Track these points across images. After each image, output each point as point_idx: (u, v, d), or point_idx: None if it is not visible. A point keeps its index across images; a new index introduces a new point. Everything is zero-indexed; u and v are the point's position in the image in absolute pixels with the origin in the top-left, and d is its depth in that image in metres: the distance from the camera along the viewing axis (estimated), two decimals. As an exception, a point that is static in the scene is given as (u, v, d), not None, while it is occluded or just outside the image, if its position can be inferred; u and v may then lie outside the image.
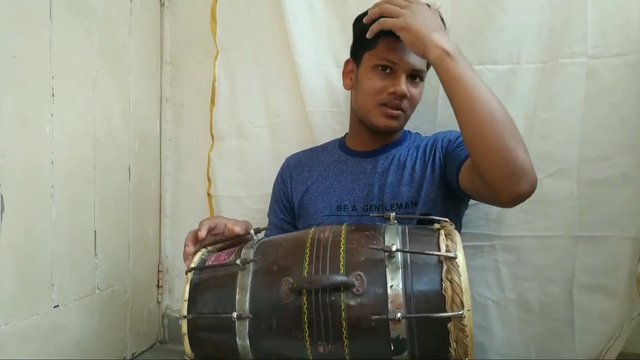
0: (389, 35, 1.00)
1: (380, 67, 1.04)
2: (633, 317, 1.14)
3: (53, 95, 1.21)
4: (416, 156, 1.10)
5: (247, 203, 1.49)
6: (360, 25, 1.08)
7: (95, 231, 1.36)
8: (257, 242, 0.91)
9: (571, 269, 1.20)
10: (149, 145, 1.60)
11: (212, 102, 1.49)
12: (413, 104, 1.06)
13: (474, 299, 1.04)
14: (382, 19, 0.94)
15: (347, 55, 1.15)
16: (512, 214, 1.21)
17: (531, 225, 1.22)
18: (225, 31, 1.46)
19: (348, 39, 1.14)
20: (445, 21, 1.18)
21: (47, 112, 1.20)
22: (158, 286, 1.69)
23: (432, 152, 1.09)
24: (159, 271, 1.69)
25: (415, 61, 1.02)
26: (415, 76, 1.05)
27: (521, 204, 1.19)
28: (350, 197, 1.11)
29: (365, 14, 1.05)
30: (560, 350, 1.23)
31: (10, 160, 1.10)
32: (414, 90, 1.05)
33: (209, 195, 1.53)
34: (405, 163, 1.10)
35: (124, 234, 1.50)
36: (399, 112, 1.05)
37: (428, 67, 1.10)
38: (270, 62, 1.43)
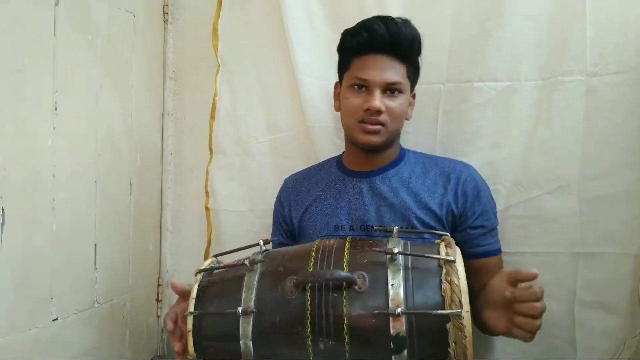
0: (361, 54, 1.06)
1: (355, 86, 1.07)
2: (635, 335, 1.13)
3: (56, 109, 1.21)
4: (422, 184, 1.10)
5: (251, 218, 1.49)
6: (339, 48, 1.14)
7: (95, 244, 1.36)
8: (264, 252, 0.93)
9: (572, 285, 1.20)
10: (150, 159, 1.61)
11: (212, 117, 1.49)
12: (394, 116, 1.07)
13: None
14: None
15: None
16: (512, 230, 1.21)
17: (532, 241, 1.23)
18: (226, 46, 1.48)
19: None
20: (444, 41, 1.21)
21: (50, 126, 1.20)
22: (158, 300, 1.68)
23: (455, 198, 1.08)
24: (158, 285, 1.68)
25: (388, 75, 1.04)
26: (393, 89, 1.06)
27: (521, 219, 1.22)
28: (348, 217, 1.11)
29: (345, 33, 1.11)
30: (562, 367, 1.22)
31: (12, 172, 1.11)
32: (392, 104, 1.06)
33: (206, 209, 1.53)
34: (403, 186, 1.10)
35: (124, 247, 1.50)
36: (377, 127, 1.06)
37: (414, 80, 1.12)
38: (271, 78, 1.44)
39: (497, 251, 1.12)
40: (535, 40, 1.19)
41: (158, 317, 1.68)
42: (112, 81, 1.41)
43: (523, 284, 0.79)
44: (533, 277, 0.77)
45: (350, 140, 1.14)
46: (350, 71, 1.09)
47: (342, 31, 1.31)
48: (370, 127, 1.05)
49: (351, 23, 1.28)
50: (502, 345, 1.25)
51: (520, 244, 1.22)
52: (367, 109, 1.04)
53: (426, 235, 1.05)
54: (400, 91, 1.07)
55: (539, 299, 0.77)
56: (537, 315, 0.77)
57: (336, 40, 1.32)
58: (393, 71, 1.05)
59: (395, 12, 1.23)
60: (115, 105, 1.43)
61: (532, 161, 1.22)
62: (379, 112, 1.04)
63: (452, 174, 1.11)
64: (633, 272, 1.14)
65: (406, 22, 1.06)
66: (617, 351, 1.15)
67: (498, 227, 1.14)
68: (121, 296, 1.49)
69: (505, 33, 1.20)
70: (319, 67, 1.35)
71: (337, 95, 1.18)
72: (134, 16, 1.50)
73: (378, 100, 1.04)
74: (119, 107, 1.45)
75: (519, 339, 0.80)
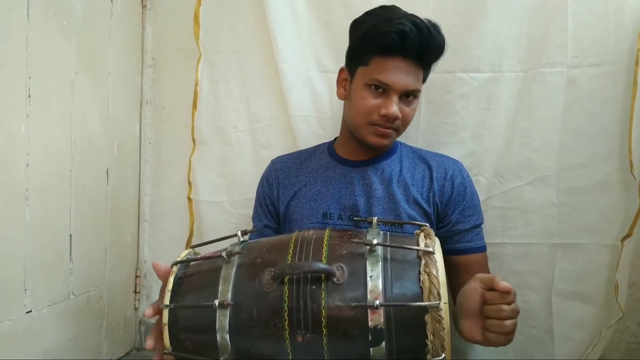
0: (385, 55, 1.00)
1: (373, 87, 1.02)
2: (611, 325, 1.15)
3: (29, 96, 1.18)
4: (411, 178, 1.10)
5: (228, 208, 1.47)
6: (355, 35, 1.06)
7: (70, 235, 1.33)
8: (242, 243, 0.92)
9: (550, 276, 1.22)
10: (128, 148, 1.58)
11: (194, 106, 1.47)
12: (406, 122, 1.05)
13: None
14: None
15: (331, 61, 1.16)
16: (492, 221, 1.22)
17: (511, 232, 1.24)
18: (208, 35, 1.45)
19: (331, 44, 1.14)
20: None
21: (23, 113, 1.17)
22: (135, 292, 1.66)
23: (441, 192, 1.08)
24: (136, 276, 1.66)
25: (409, 82, 1.00)
26: (409, 94, 1.03)
27: (501, 210, 1.23)
28: (337, 205, 1.10)
29: (361, 19, 1.05)
30: (538, 356, 1.24)
31: (-17, 161, 1.08)
32: (407, 110, 1.03)
33: (189, 199, 1.51)
34: (394, 178, 1.10)
35: (101, 238, 1.47)
36: (390, 131, 1.04)
37: (424, 81, 1.10)
38: (253, 67, 1.42)
39: (481, 249, 1.11)
40: (517, 31, 1.19)
41: (136, 309, 1.66)
42: (88, 68, 1.38)
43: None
44: (507, 291, 0.77)
45: (351, 133, 1.11)
46: (368, 69, 1.02)
47: (324, 21, 1.31)
48: (383, 130, 1.03)
49: (334, 12, 1.27)
50: (482, 351, 1.25)
51: (499, 235, 1.23)
52: (384, 115, 1.00)
53: (406, 226, 1.05)
54: (415, 97, 1.05)
55: (509, 302, 0.77)
56: (506, 317, 0.77)
57: (319, 30, 1.32)
58: (414, 77, 1.01)
59: (378, 1, 1.22)
60: (91, 93, 1.40)
61: (512, 152, 1.22)
62: (394, 119, 1.02)
63: (440, 168, 1.10)
64: (609, 263, 1.16)
65: (436, 28, 1.01)
66: (593, 341, 1.17)
67: (483, 225, 1.13)
68: (97, 288, 1.46)
69: (488, 24, 1.20)
70: (300, 56, 1.34)
71: (341, 82, 1.12)
72: (111, 1, 1.46)
73: (396, 107, 1.00)
74: (95, 94, 1.42)
75: (494, 344, 0.79)
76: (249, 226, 1.25)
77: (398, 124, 1.04)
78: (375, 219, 0.92)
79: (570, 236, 1.20)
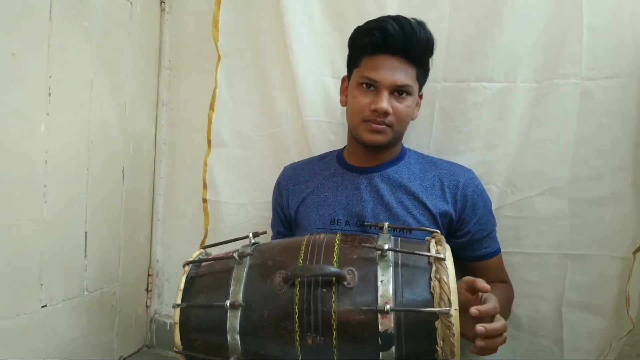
0: (372, 54, 1.04)
1: (364, 85, 1.06)
2: (621, 337, 1.14)
3: (49, 94, 1.21)
4: (419, 184, 1.10)
5: (250, 210, 1.49)
6: (349, 43, 1.12)
7: (86, 232, 1.36)
8: (253, 244, 0.93)
9: (561, 286, 1.21)
10: (143, 148, 1.60)
11: (212, 108, 1.48)
12: (400, 118, 1.06)
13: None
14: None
15: (344, 67, 1.16)
16: (503, 230, 1.21)
17: (522, 242, 1.23)
18: (227, 39, 1.47)
19: (345, 50, 1.15)
20: (441, 40, 1.21)
21: (43, 112, 1.20)
22: (147, 290, 1.68)
23: (454, 202, 1.09)
24: (148, 275, 1.68)
25: (398, 77, 1.03)
26: (401, 91, 1.05)
27: (512, 220, 1.23)
28: (345, 211, 1.11)
29: (358, 29, 1.09)
30: (547, 367, 1.23)
31: (4, 157, 1.10)
32: (399, 106, 1.05)
33: (204, 200, 1.52)
34: (401, 185, 1.10)
35: (115, 236, 1.49)
36: (383, 126, 1.05)
37: (423, 81, 1.12)
38: (270, 72, 1.43)
39: (497, 252, 1.13)
40: (532, 42, 1.19)
41: (147, 306, 1.68)
42: (107, 69, 1.40)
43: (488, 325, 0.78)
44: (486, 290, 0.80)
45: (353, 137, 1.13)
46: (359, 69, 1.08)
47: (339, 27, 1.32)
48: (375, 126, 1.05)
49: (349, 19, 1.28)
50: None
51: (511, 244, 1.23)
52: (374, 110, 1.03)
53: (416, 232, 1.06)
54: (409, 93, 1.06)
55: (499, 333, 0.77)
56: (484, 336, 0.76)
57: (334, 36, 1.33)
58: (403, 73, 1.04)
59: (393, 8, 1.23)
60: (109, 93, 1.42)
61: (525, 162, 1.22)
62: (385, 113, 1.03)
63: (451, 177, 1.11)
64: (620, 275, 1.15)
65: (421, 25, 1.04)
66: (603, 352, 1.16)
67: (496, 227, 1.14)
68: (111, 285, 1.49)
69: (503, 34, 1.20)
70: (315, 62, 1.35)
71: (343, 90, 1.17)
72: (131, 4, 1.49)
73: (385, 102, 1.03)
74: (113, 95, 1.44)
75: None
76: (269, 227, 1.28)
77: (391, 120, 1.05)
78: (386, 224, 0.92)
79: (582, 247, 1.19)
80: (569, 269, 1.20)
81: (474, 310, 0.76)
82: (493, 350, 0.79)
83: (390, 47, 1.03)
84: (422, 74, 1.10)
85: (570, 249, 1.20)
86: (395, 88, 1.04)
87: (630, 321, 1.12)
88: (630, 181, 1.14)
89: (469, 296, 0.83)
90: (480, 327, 0.75)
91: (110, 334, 1.51)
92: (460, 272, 0.86)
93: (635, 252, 1.12)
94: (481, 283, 0.80)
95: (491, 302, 0.79)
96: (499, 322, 0.78)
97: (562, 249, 1.21)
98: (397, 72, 1.03)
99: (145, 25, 1.56)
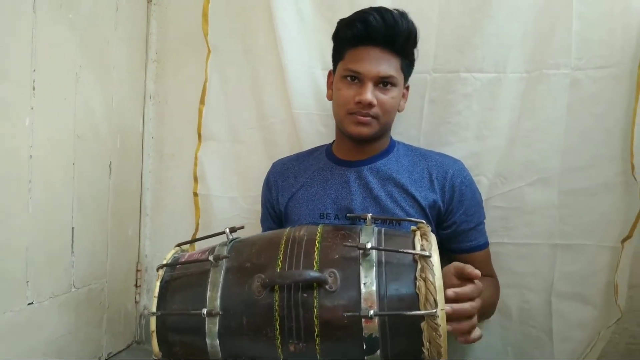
0: (355, 46, 1.05)
1: (348, 78, 1.06)
2: (609, 326, 1.16)
3: (34, 88, 1.18)
4: (408, 177, 1.10)
5: (241, 203, 1.48)
6: (333, 36, 1.13)
7: (73, 228, 1.34)
8: (231, 241, 0.90)
9: (550, 276, 1.22)
10: (130, 142, 1.58)
11: (202, 102, 1.47)
12: (385, 110, 1.06)
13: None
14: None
15: (335, 59, 1.16)
16: (493, 221, 1.22)
17: (512, 232, 1.24)
18: (216, 32, 1.45)
19: (336, 42, 1.15)
20: (431, 31, 1.21)
21: (27, 105, 1.17)
22: (136, 285, 1.66)
23: (442, 193, 1.08)
24: (137, 270, 1.66)
25: (381, 69, 1.03)
26: (386, 82, 1.05)
27: (502, 210, 1.23)
28: (334, 205, 1.11)
29: (340, 22, 1.09)
30: (537, 356, 1.24)
31: (-13, 152, 1.08)
32: (384, 97, 1.05)
33: (195, 194, 1.51)
34: (390, 177, 1.10)
35: (103, 231, 1.47)
36: (368, 118, 1.05)
37: (408, 72, 1.12)
38: (260, 65, 1.42)
39: (483, 246, 1.12)
40: (522, 32, 1.19)
41: (136, 302, 1.67)
42: (93, 61, 1.38)
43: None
44: (476, 276, 0.78)
45: (340, 130, 1.13)
46: (343, 62, 1.08)
47: (329, 19, 1.31)
48: (360, 118, 1.05)
49: (339, 11, 1.27)
50: (481, 350, 1.27)
51: (500, 234, 1.24)
52: (359, 102, 1.03)
53: (403, 223, 1.05)
54: (393, 84, 1.06)
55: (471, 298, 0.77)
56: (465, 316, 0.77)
57: (324, 28, 1.32)
58: (387, 64, 1.04)
59: (383, 0, 1.22)
60: (95, 86, 1.40)
61: (515, 153, 1.23)
62: (370, 105, 1.03)
63: (440, 168, 1.10)
64: (609, 264, 1.16)
65: (403, 15, 1.04)
66: (592, 341, 1.17)
67: (485, 220, 1.14)
68: (99, 281, 1.47)
69: (493, 24, 1.20)
70: (305, 54, 1.34)
71: (330, 84, 1.17)
72: (117, -5, 1.46)
73: (370, 94, 1.03)
74: (99, 88, 1.42)
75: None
76: (260, 221, 1.28)
77: (376, 112, 1.05)
78: (369, 215, 0.89)
79: (571, 237, 1.20)
80: (559, 259, 1.21)
81: (450, 292, 0.75)
82: (466, 328, 0.77)
83: (373, 38, 1.03)
84: (407, 65, 1.10)
85: (559, 239, 1.21)
86: (380, 79, 1.04)
87: (618, 310, 1.13)
88: (619, 171, 1.15)
89: (456, 282, 0.81)
90: (450, 292, 0.75)
91: (99, 331, 1.49)
92: (447, 262, 0.86)
93: (623, 241, 1.13)
94: (470, 269, 0.79)
95: (469, 286, 0.78)
96: (470, 286, 0.78)
97: (552, 239, 1.21)
98: (380, 63, 1.04)
99: (131, 17, 1.54)
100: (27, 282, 1.20)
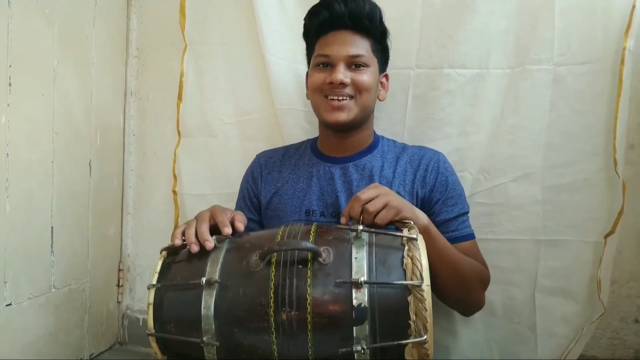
0: (324, 33, 1.07)
1: (320, 65, 1.08)
2: (593, 321, 1.16)
3: (10, 84, 1.16)
4: (393, 172, 1.10)
5: (213, 201, 1.45)
6: (304, 34, 1.15)
7: (52, 227, 1.31)
8: (227, 240, 0.91)
9: (534, 272, 1.22)
10: (111, 139, 1.56)
11: (180, 98, 1.45)
12: (361, 89, 1.06)
13: (438, 302, 1.04)
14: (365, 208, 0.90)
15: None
16: (477, 217, 1.21)
17: (495, 228, 1.24)
18: (194, 26, 1.43)
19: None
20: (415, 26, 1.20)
21: (3, 102, 1.15)
22: (118, 285, 1.64)
23: (422, 183, 1.09)
24: (119, 270, 1.64)
25: (350, 49, 1.05)
26: (358, 64, 1.06)
27: (485, 206, 1.23)
28: (319, 202, 1.10)
29: (307, 15, 1.11)
30: (522, 352, 1.25)
31: (-38, 151, 1.05)
32: (358, 77, 1.05)
33: (174, 192, 1.49)
34: (375, 174, 1.09)
35: (83, 230, 1.45)
36: (344, 101, 1.05)
37: (383, 58, 1.12)
38: (239, 59, 1.40)
39: (467, 237, 1.10)
40: (505, 27, 1.19)
41: (119, 302, 1.64)
42: (71, 57, 1.35)
43: None
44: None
45: (321, 122, 1.13)
46: (315, 52, 1.10)
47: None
48: (335, 102, 1.05)
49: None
50: (465, 330, 1.27)
51: (484, 231, 1.23)
52: (330, 82, 1.04)
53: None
54: (365, 64, 1.06)
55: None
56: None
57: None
58: (355, 45, 1.06)
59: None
60: (73, 82, 1.37)
61: (498, 149, 1.23)
62: (342, 84, 1.03)
63: (421, 160, 1.10)
64: (592, 260, 1.17)
65: None
66: (576, 337, 1.18)
67: (468, 213, 1.13)
68: (80, 281, 1.45)
69: (476, 18, 1.19)
70: (288, 48, 1.32)
71: (307, 83, 1.16)
72: (95, -11, 1.43)
73: (341, 73, 1.04)
74: (78, 84, 1.39)
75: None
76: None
77: (351, 91, 1.06)
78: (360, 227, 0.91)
79: (555, 233, 1.20)
80: (542, 254, 1.22)
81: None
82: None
83: (338, 22, 1.06)
84: (379, 49, 1.11)
85: (543, 235, 1.21)
86: (350, 59, 1.05)
87: (601, 305, 1.14)
88: (602, 166, 1.15)
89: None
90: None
91: (80, 332, 1.47)
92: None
93: (606, 236, 1.14)
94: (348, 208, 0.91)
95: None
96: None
97: (535, 234, 1.22)
98: (348, 44, 1.06)
99: (110, 12, 1.51)
100: (5, 282, 1.18)
